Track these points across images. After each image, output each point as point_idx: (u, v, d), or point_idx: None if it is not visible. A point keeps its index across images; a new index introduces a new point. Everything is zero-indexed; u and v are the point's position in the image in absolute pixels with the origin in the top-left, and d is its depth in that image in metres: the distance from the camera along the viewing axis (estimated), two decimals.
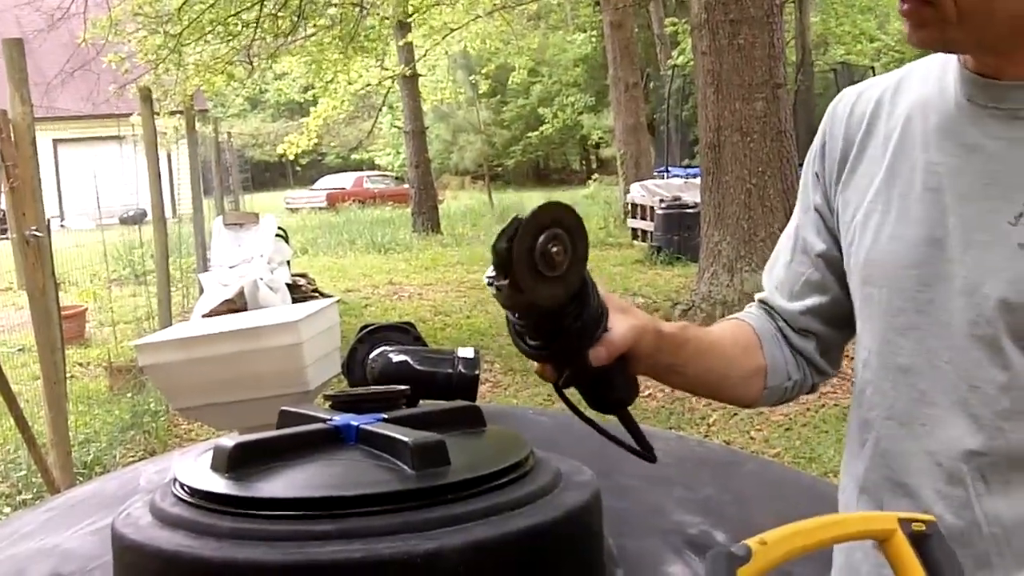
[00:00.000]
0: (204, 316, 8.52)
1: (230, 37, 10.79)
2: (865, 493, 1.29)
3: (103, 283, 12.80)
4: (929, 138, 1.22)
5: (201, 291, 9.50)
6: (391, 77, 19.41)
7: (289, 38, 11.50)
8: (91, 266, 14.31)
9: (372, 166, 38.47)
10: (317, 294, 12.10)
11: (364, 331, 1.99)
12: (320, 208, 33.69)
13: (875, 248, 1.24)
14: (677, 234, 14.17)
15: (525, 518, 0.97)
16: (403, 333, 2.00)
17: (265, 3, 10.24)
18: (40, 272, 5.72)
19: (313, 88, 19.91)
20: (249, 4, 10.42)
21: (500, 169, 40.05)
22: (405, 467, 0.99)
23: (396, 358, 1.77)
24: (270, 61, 11.65)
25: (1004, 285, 1.13)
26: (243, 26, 10.77)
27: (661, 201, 15.07)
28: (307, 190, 37.29)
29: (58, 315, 6.24)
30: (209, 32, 10.52)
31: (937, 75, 1.24)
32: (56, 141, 29.57)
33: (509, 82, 30.09)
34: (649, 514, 1.41)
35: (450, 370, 1.74)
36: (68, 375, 7.43)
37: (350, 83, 18.30)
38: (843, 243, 1.31)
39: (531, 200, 29.93)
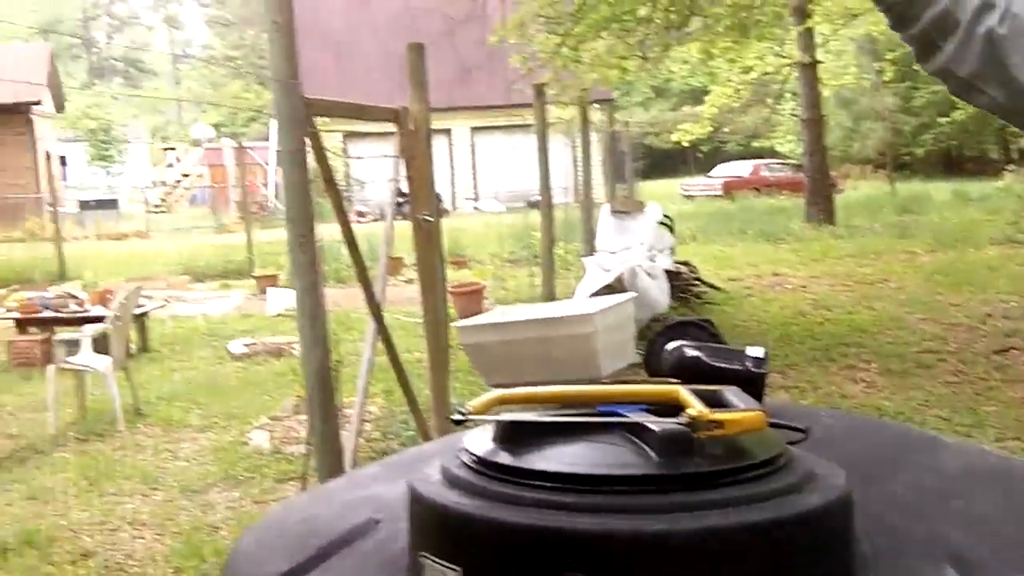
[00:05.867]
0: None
1: (624, 33, 11.23)
2: None
3: (502, 263, 13.75)
4: None
5: (584, 274, 10.00)
6: (789, 64, 19.23)
7: (682, 30, 11.77)
8: (493, 246, 15.34)
9: (772, 153, 38.02)
10: (698, 282, 12.35)
11: (667, 326, 2.16)
12: (716, 196, 33.73)
13: None
14: None
15: (753, 513, 1.03)
16: (701, 329, 2.17)
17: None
18: (429, 252, 6.39)
19: (714, 74, 20.09)
20: (643, 1, 10.82)
21: (907, 158, 38.37)
22: (651, 453, 1.09)
23: (689, 352, 1.86)
24: (662, 53, 11.98)
25: None
26: (637, 22, 11.18)
27: None
28: (704, 177, 37.38)
29: (443, 291, 6.90)
30: (604, 29, 11.01)
31: None
32: (473, 129, 31.57)
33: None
34: (916, 525, 1.33)
35: (739, 367, 1.81)
36: (457, 346, 8.17)
37: (744, 71, 18.34)
38: None
39: (938, 191, 28.55)
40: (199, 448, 7.75)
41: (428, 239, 6.31)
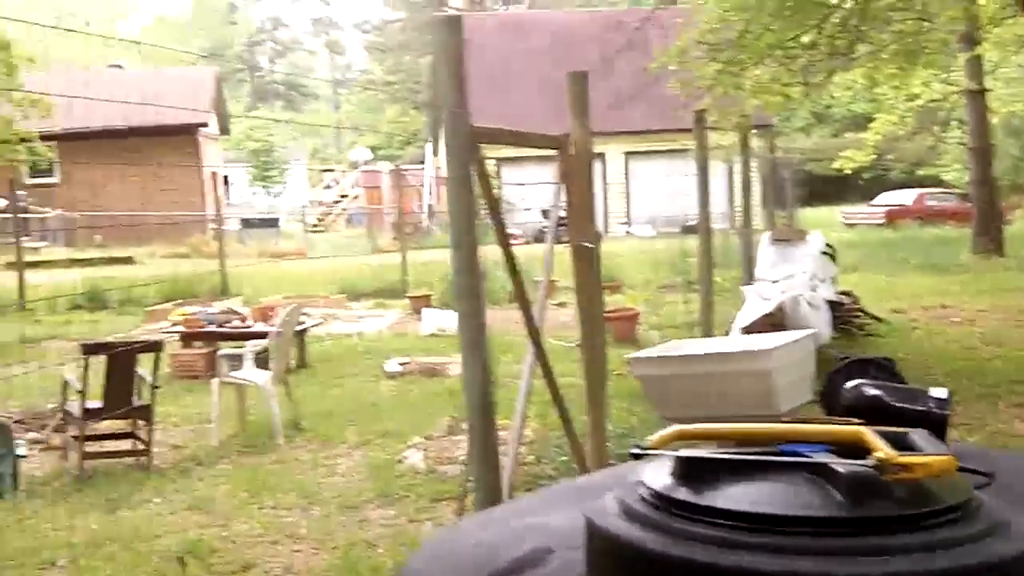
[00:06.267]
0: (744, 329, 8.87)
1: (787, 60, 11.05)
2: None
3: (656, 289, 13.64)
4: None
5: (743, 303, 9.84)
6: (956, 92, 18.67)
7: (847, 56, 11.53)
8: (647, 272, 15.25)
9: (937, 182, 36.91)
10: (861, 313, 12.03)
11: (845, 362, 2.08)
12: (878, 224, 32.91)
13: None
14: None
15: (944, 559, 1.01)
16: (882, 368, 2.08)
17: (823, 26, 10.40)
18: (588, 278, 6.37)
19: (878, 101, 19.65)
20: (807, 27, 10.63)
21: None
22: (837, 495, 1.08)
23: (869, 391, 1.85)
24: (825, 80, 11.75)
25: None
26: (800, 48, 10.99)
27: None
28: (865, 206, 36.55)
29: (602, 317, 6.86)
30: (767, 56, 10.86)
31: None
32: (627, 153, 31.54)
33: None
34: None
35: (922, 408, 1.80)
36: (615, 372, 8.12)
37: (910, 98, 17.88)
38: None
39: None
40: (355, 464, 7.86)
41: (587, 265, 6.29)
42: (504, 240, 5.31)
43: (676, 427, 1.26)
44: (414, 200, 36.41)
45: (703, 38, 10.91)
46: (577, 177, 6.14)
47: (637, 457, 1.27)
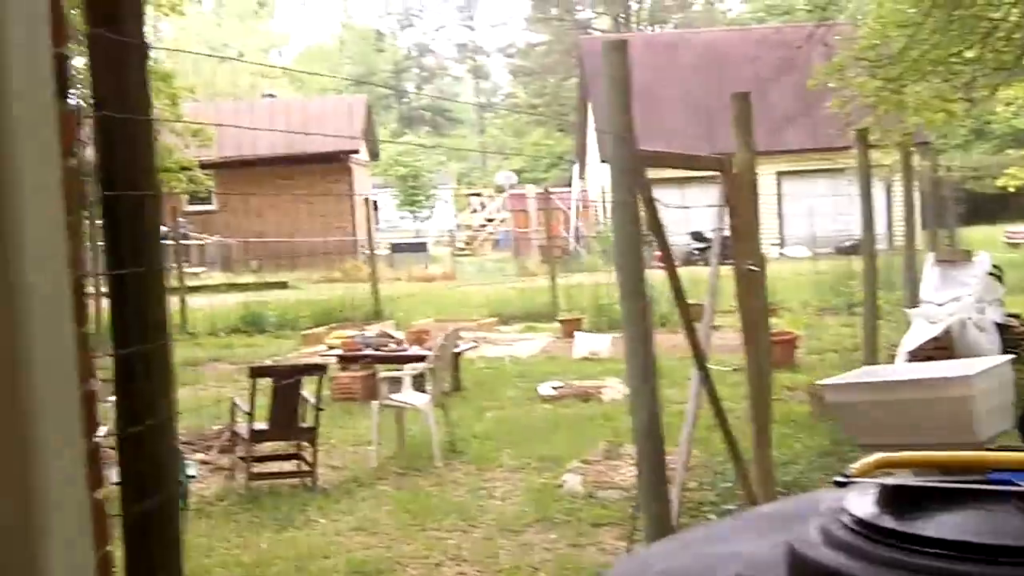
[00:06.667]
0: (910, 353, 8.61)
1: (951, 76, 10.74)
2: None
3: (814, 311, 13.37)
4: None
5: (908, 327, 9.56)
6: None
7: (1013, 70, 11.14)
8: (805, 294, 14.97)
9: None
10: None
11: None
12: None
13: None
14: None
15: None
16: None
17: (987, 40, 10.07)
18: (753, 302, 6.26)
19: None
20: (971, 42, 10.31)
21: None
22: None
23: None
24: (990, 95, 11.37)
25: None
26: (964, 63, 10.66)
27: None
28: None
29: (767, 342, 6.75)
30: (930, 72, 10.56)
31: None
32: (780, 173, 31.06)
33: None
34: None
35: None
36: (775, 397, 7.96)
37: None
38: None
39: None
40: (513, 488, 7.87)
41: (752, 288, 6.19)
42: (670, 263, 5.27)
43: (879, 455, 1.25)
44: (561, 223, 36.52)
45: (863, 54, 10.67)
46: (741, 199, 6.06)
47: (841, 485, 1.26)
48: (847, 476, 1.28)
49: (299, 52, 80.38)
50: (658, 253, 4.79)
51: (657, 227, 5.06)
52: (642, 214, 4.71)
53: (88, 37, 1.72)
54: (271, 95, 43.53)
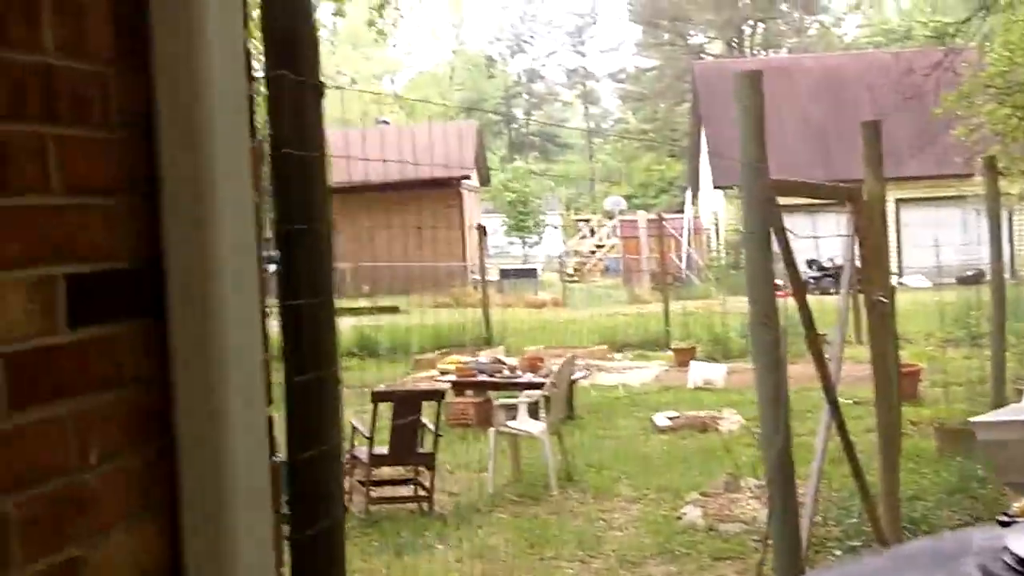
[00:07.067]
0: None
1: None
2: None
3: (937, 343, 13.04)
4: None
5: None
6: None
7: None
8: (927, 325, 14.62)
9: None
10: None
11: None
12: None
13: None
14: None
15: None
16: None
17: None
18: (883, 334, 6.15)
19: None
20: None
21: None
22: None
23: None
24: None
25: None
26: None
27: None
28: None
29: (896, 375, 6.61)
30: None
31: None
32: (899, 201, 30.46)
33: None
34: None
35: None
36: (900, 432, 7.78)
37: None
38: None
39: None
40: (631, 518, 7.82)
41: (882, 320, 6.09)
42: (800, 293, 5.20)
43: None
44: (672, 249, 36.33)
45: (991, 81, 10.44)
46: (871, 229, 5.97)
47: (1004, 524, 1.27)
48: (1010, 516, 1.27)
49: (410, 79, 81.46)
50: (778, 282, 4.73)
51: (789, 257, 5.00)
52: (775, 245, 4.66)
53: (269, 79, 1.77)
54: (385, 122, 44.17)
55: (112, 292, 1.35)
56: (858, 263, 6.08)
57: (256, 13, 1.84)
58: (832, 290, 21.49)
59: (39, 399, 1.24)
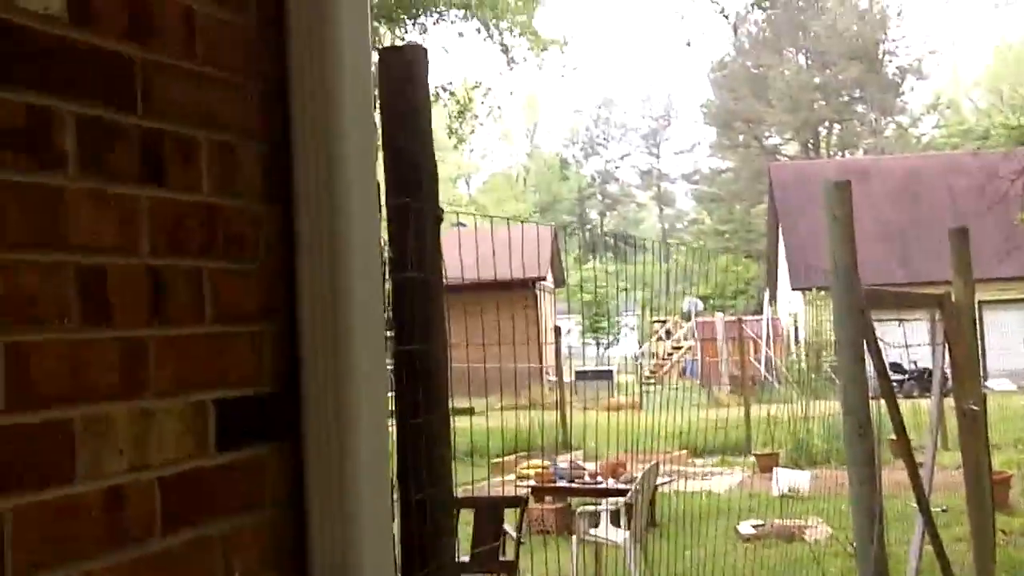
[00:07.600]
0: None
1: None
2: None
3: None
4: None
5: None
6: None
7: None
8: (1015, 430, 14.29)
9: None
10: None
11: None
12: None
13: None
14: None
15: None
16: None
17: None
18: (975, 441, 6.05)
19: None
20: None
21: None
22: None
23: None
24: None
25: None
26: None
27: None
28: None
29: (990, 483, 6.48)
30: None
31: None
32: (982, 303, 30.07)
33: None
34: None
35: None
36: (995, 543, 7.58)
37: None
38: None
39: None
40: None
41: (973, 427, 5.99)
42: (892, 401, 5.15)
43: None
44: (751, 351, 36.02)
45: None
46: (960, 335, 5.91)
47: None
48: None
49: (483, 180, 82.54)
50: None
51: (881, 366, 4.96)
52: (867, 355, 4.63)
53: (391, 208, 1.85)
54: (462, 224, 44.75)
55: (255, 415, 1.41)
56: (947, 368, 6.01)
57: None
58: (915, 393, 21.11)
59: (190, 521, 1.30)
